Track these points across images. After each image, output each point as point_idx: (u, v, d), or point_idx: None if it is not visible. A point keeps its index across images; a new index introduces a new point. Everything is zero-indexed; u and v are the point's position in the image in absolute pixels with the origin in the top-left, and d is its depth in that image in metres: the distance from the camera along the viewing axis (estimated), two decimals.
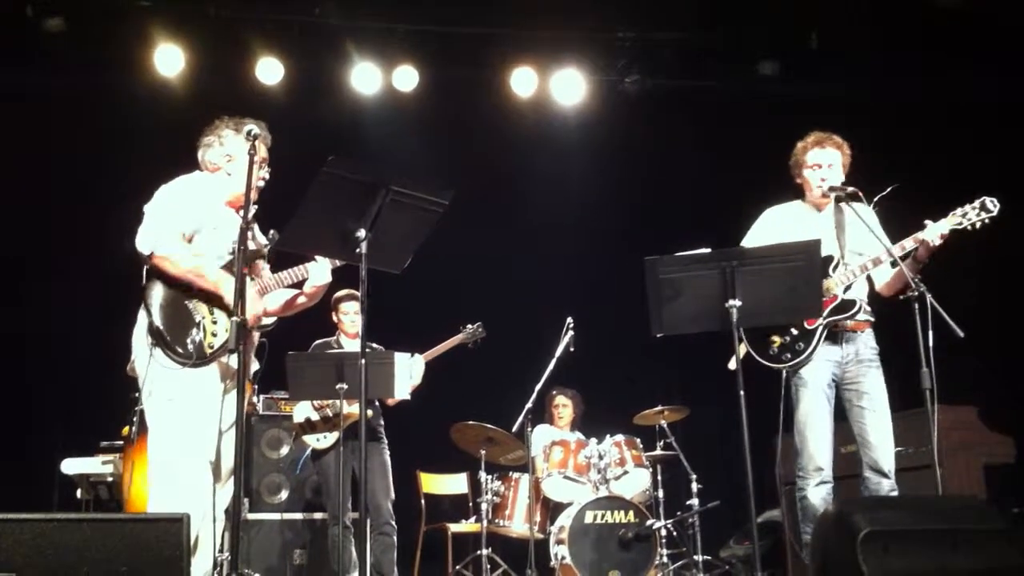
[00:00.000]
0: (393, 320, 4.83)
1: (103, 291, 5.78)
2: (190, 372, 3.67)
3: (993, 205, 4.17)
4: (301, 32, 7.12)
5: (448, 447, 6.56)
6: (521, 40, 7.41)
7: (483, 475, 6.47)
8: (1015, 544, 3.06)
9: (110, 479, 5.74)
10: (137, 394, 3.76)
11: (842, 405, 4.37)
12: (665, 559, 6.17)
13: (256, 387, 6.07)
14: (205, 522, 3.63)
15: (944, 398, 3.87)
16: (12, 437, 6.67)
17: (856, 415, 4.31)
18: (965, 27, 6.72)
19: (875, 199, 4.24)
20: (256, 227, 3.98)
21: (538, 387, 6.15)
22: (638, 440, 6.60)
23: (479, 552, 6.20)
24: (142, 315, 3.75)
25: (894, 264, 4.25)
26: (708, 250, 3.78)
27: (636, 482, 6.47)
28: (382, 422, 5.85)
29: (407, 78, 7.31)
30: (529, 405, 6.04)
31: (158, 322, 3.69)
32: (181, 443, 3.64)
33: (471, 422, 6.34)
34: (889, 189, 4.24)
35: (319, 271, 3.98)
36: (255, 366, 4.00)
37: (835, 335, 4.33)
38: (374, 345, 5.16)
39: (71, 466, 5.73)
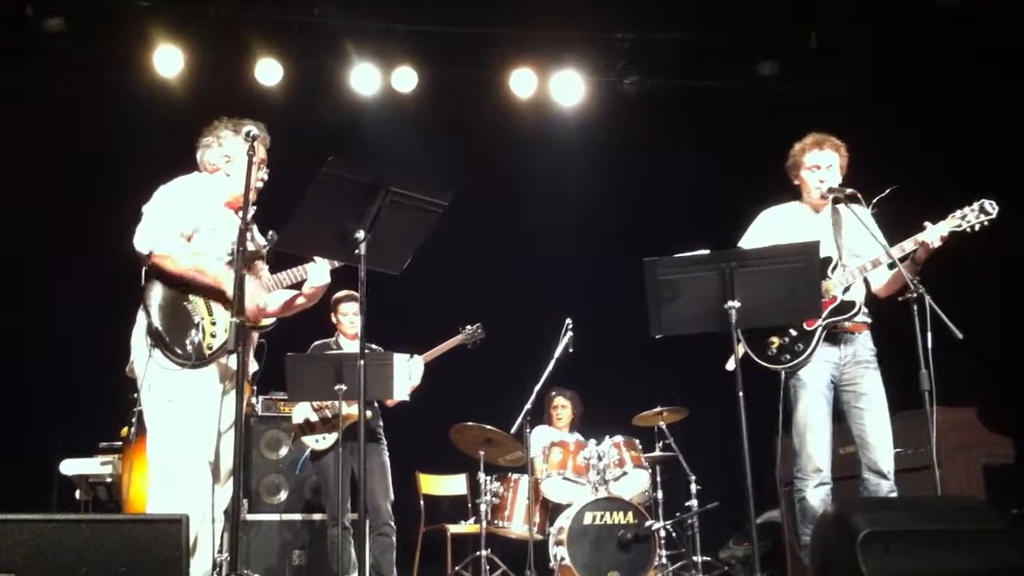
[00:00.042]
0: (392, 321, 4.83)
1: (103, 291, 5.78)
2: (189, 373, 3.67)
3: (992, 208, 4.17)
4: (300, 32, 7.12)
5: (447, 448, 6.56)
6: (521, 40, 7.41)
7: (482, 476, 6.46)
8: (1015, 544, 3.06)
9: (109, 480, 5.74)
10: (136, 395, 3.76)
11: (840, 406, 4.37)
12: (664, 560, 6.17)
13: (255, 388, 6.08)
14: (204, 523, 3.63)
15: (943, 399, 3.86)
16: (12, 437, 6.67)
17: (855, 416, 4.31)
18: (965, 27, 6.72)
19: (874, 200, 4.23)
20: (255, 228, 3.98)
21: (537, 388, 6.15)
22: (637, 441, 6.60)
23: (478, 553, 6.21)
24: (141, 316, 3.75)
25: (892, 266, 4.24)
26: (707, 251, 3.78)
27: (635, 483, 6.46)
28: (381, 423, 5.84)
29: (406, 79, 7.30)
30: (528, 406, 6.04)
31: (157, 323, 3.68)
32: (180, 444, 3.64)
33: (470, 423, 6.34)
34: (888, 191, 4.23)
35: (318, 272, 3.97)
36: (254, 367, 4.00)
37: (834, 336, 4.33)
38: (373, 346, 5.16)
39: (70, 467, 5.73)
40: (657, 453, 6.61)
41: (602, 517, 6.08)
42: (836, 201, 4.42)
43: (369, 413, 5.55)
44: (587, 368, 6.71)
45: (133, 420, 3.91)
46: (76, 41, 6.75)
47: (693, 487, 6.47)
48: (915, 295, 3.89)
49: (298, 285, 4.02)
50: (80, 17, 6.71)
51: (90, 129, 6.81)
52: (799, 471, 4.30)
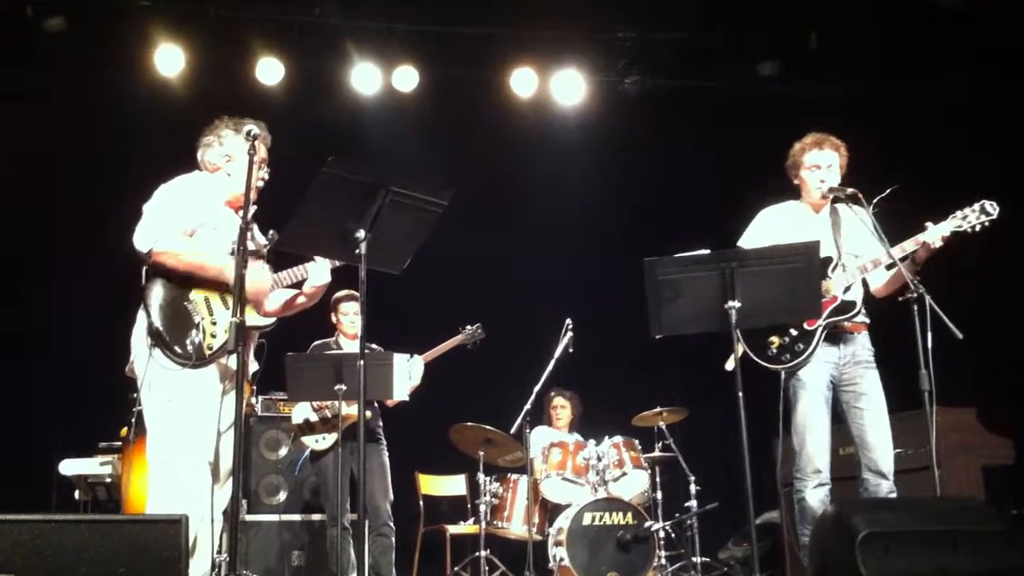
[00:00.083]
0: (392, 321, 4.83)
1: (103, 291, 5.78)
2: (189, 373, 3.66)
3: (993, 208, 4.18)
4: (301, 32, 7.12)
5: (447, 448, 6.56)
6: (521, 40, 7.41)
7: (482, 476, 6.46)
8: (1014, 545, 3.06)
9: (108, 480, 5.74)
10: (136, 395, 3.76)
11: (839, 407, 4.36)
12: (663, 561, 6.17)
13: (255, 388, 6.07)
14: (203, 523, 3.63)
15: (943, 400, 3.87)
16: (11, 437, 6.66)
17: (854, 416, 4.31)
18: (965, 27, 6.72)
19: (874, 200, 4.23)
20: (255, 227, 3.98)
21: (537, 388, 6.15)
22: (637, 441, 6.60)
23: (477, 554, 6.21)
24: (141, 316, 3.75)
25: (891, 266, 4.24)
26: (707, 251, 3.78)
27: (635, 484, 6.46)
28: (381, 423, 5.84)
29: (407, 78, 7.31)
30: (528, 406, 6.04)
31: (157, 323, 3.68)
32: (180, 444, 3.64)
33: (470, 423, 6.34)
34: (889, 191, 4.23)
35: (318, 271, 3.97)
36: (254, 367, 4.00)
37: (833, 336, 4.33)
38: (373, 346, 5.16)
39: (69, 467, 5.73)
40: (656, 454, 6.62)
41: (601, 518, 6.08)
42: (836, 201, 4.42)
43: (369, 413, 5.55)
44: (587, 368, 6.71)
45: (133, 420, 3.91)
46: (76, 41, 6.75)
47: (692, 488, 6.47)
48: (915, 295, 3.89)
49: (299, 284, 4.02)
50: (80, 17, 6.72)
51: (90, 129, 6.81)
52: (798, 472, 4.30)
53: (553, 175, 7.74)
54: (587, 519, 6.07)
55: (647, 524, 6.05)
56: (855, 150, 4.55)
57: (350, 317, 5.81)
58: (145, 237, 3.74)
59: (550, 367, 6.18)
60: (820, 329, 4.29)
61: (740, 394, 3.60)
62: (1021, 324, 6.74)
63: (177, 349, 3.67)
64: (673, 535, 6.34)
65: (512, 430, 6.12)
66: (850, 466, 4.46)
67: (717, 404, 5.54)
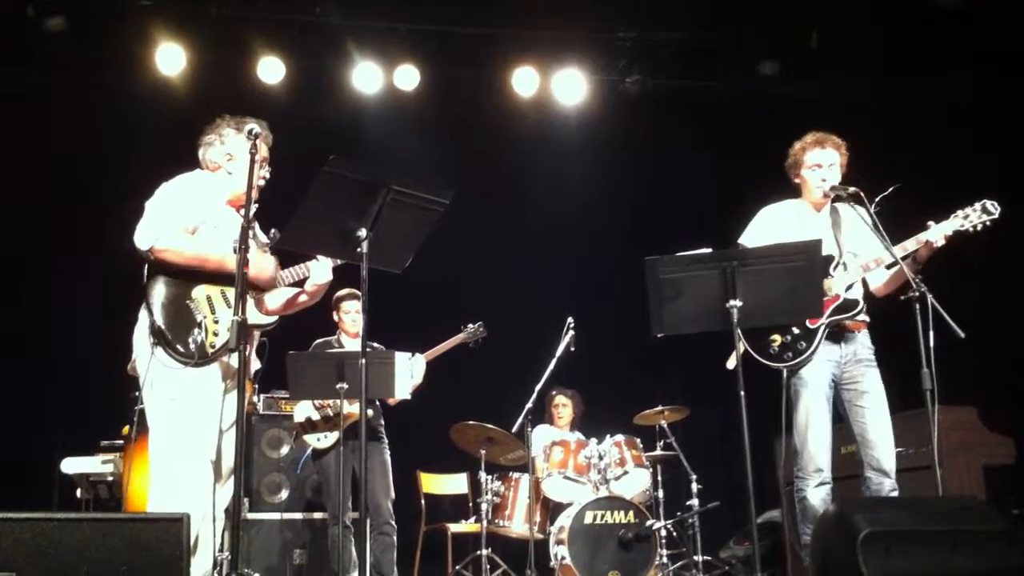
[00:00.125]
0: (394, 320, 4.83)
1: (103, 291, 5.78)
2: (192, 371, 3.67)
3: (994, 208, 4.18)
4: (302, 31, 7.12)
5: (448, 447, 6.56)
6: (522, 40, 7.42)
7: (483, 475, 6.46)
8: (1015, 545, 3.06)
9: (110, 478, 5.74)
10: (137, 393, 3.76)
11: (841, 405, 4.37)
12: (665, 559, 6.17)
13: (257, 386, 6.08)
14: (205, 521, 3.63)
15: (944, 399, 3.87)
16: (12, 437, 6.66)
17: (856, 415, 4.31)
18: (965, 27, 6.72)
19: (876, 199, 4.23)
20: (257, 226, 3.98)
21: (538, 387, 6.16)
22: (638, 440, 6.60)
23: (479, 552, 6.20)
24: (143, 314, 3.75)
25: (892, 265, 4.24)
26: (709, 250, 3.78)
27: (636, 482, 6.46)
28: (382, 422, 5.85)
29: (408, 77, 7.31)
30: (529, 405, 6.05)
31: (160, 321, 3.69)
32: (182, 442, 3.64)
33: (471, 422, 6.34)
34: (891, 189, 4.23)
35: (320, 270, 3.97)
36: (256, 365, 4.00)
37: (834, 335, 4.33)
38: (375, 344, 5.16)
39: (71, 465, 5.73)
40: (658, 452, 6.61)
41: (603, 516, 6.08)
42: (838, 200, 4.42)
43: (370, 412, 5.56)
44: (588, 367, 6.71)
45: (134, 419, 3.91)
46: (77, 40, 6.75)
47: (694, 486, 6.47)
48: (917, 294, 3.89)
49: (300, 283, 4.02)
50: (81, 16, 6.72)
51: (91, 129, 6.81)
52: (800, 470, 4.30)
53: (554, 174, 7.74)
54: (589, 518, 6.07)
55: (648, 523, 6.05)
56: (855, 150, 4.55)
57: (352, 316, 5.82)
58: (146, 235, 3.74)
59: (551, 366, 6.18)
60: (822, 328, 4.29)
61: (741, 393, 3.61)
62: (1022, 323, 6.74)
63: (179, 348, 3.67)
64: (675, 534, 6.33)
65: (514, 429, 6.12)
66: (851, 465, 4.47)
67: (718, 403, 5.53)
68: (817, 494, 4.22)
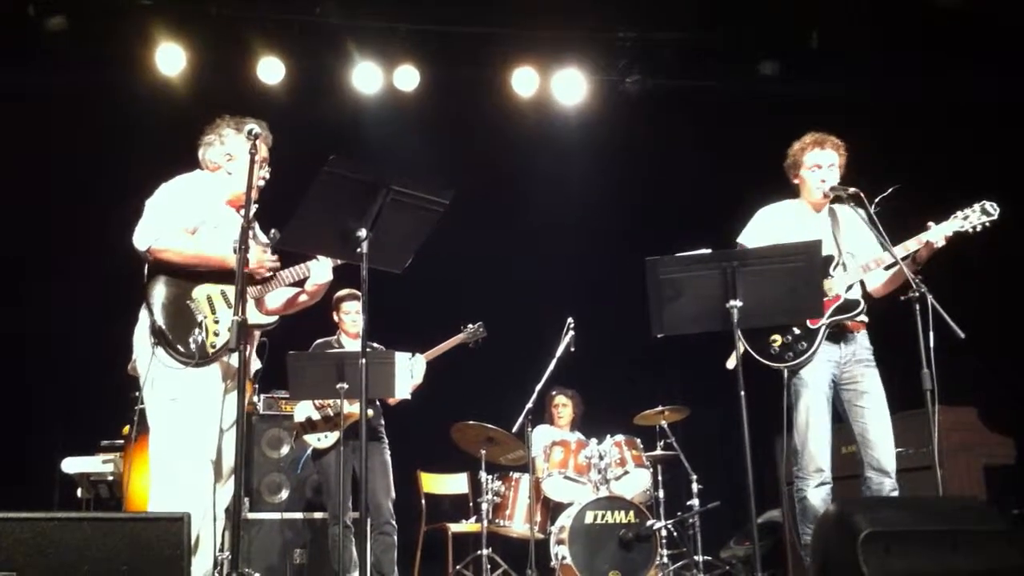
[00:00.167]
0: (394, 320, 4.83)
1: (103, 291, 5.78)
2: (192, 371, 3.67)
3: (993, 209, 4.19)
4: (302, 31, 7.12)
5: (448, 447, 6.56)
6: (522, 40, 7.42)
7: (483, 475, 6.47)
8: (1015, 545, 3.06)
9: (110, 478, 5.74)
10: (138, 393, 3.76)
11: (840, 406, 4.37)
12: (665, 559, 6.17)
13: (257, 386, 6.07)
14: (206, 521, 3.63)
15: (944, 399, 3.87)
16: (12, 437, 6.66)
17: (856, 415, 4.31)
18: (965, 27, 6.72)
19: (876, 200, 4.24)
20: (256, 226, 3.98)
21: (538, 387, 6.16)
22: (638, 440, 6.60)
23: (479, 552, 6.20)
24: (144, 314, 3.75)
25: (891, 265, 4.25)
26: (708, 250, 3.78)
27: (636, 482, 6.47)
28: (383, 422, 5.85)
29: (408, 78, 7.31)
30: (529, 405, 6.05)
31: (160, 321, 3.69)
32: (182, 442, 3.64)
33: (471, 422, 6.34)
34: (891, 190, 4.24)
35: (320, 269, 3.97)
36: (256, 365, 4.00)
37: (834, 335, 4.33)
38: (375, 345, 5.16)
39: (71, 465, 5.73)
40: (658, 452, 6.61)
41: (603, 516, 6.08)
42: (837, 200, 4.42)
43: (371, 412, 5.56)
44: (588, 367, 6.71)
45: (135, 418, 3.91)
46: (77, 40, 6.75)
47: (694, 486, 6.46)
48: (917, 294, 3.89)
49: (300, 283, 4.02)
50: (81, 16, 6.72)
51: (91, 128, 6.81)
52: (800, 471, 4.31)
53: (554, 174, 7.74)
54: (589, 518, 6.07)
55: (649, 523, 6.05)
56: (855, 150, 4.55)
57: (352, 316, 5.82)
58: (145, 235, 3.74)
59: (552, 366, 6.18)
60: (823, 328, 4.29)
61: (742, 393, 3.61)
62: (1022, 324, 6.74)
63: (180, 348, 3.67)
64: (675, 534, 6.33)
65: (514, 429, 6.12)
66: (852, 465, 4.47)
67: (718, 403, 5.53)
68: (817, 494, 4.22)
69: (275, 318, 3.98)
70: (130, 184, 4.12)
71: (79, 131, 6.78)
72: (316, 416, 5.66)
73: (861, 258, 4.36)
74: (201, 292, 3.79)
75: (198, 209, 3.84)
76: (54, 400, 6.87)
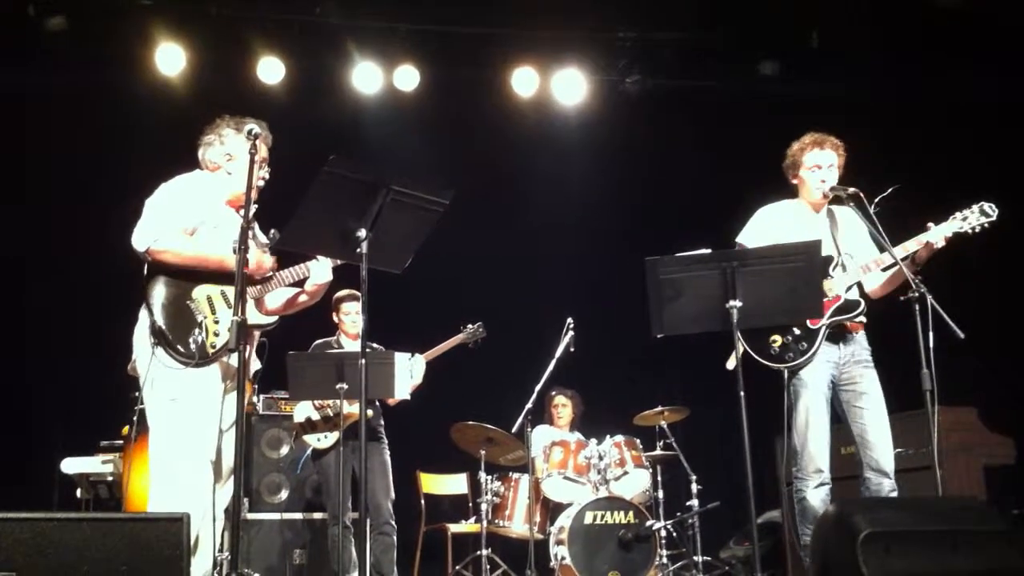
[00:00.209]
0: (394, 320, 4.83)
1: (103, 291, 5.77)
2: (192, 372, 3.67)
3: (992, 210, 4.19)
4: (302, 31, 7.13)
5: (448, 447, 6.56)
6: (522, 40, 7.42)
7: (483, 475, 6.46)
8: (1015, 545, 3.06)
9: (110, 478, 5.74)
10: (137, 393, 3.76)
11: (839, 406, 4.36)
12: (665, 560, 6.17)
13: (256, 387, 6.07)
14: (205, 521, 3.63)
15: (944, 399, 3.87)
16: (12, 437, 6.66)
17: (855, 415, 4.30)
18: (965, 27, 6.72)
19: (876, 200, 4.23)
20: (256, 226, 3.98)
21: (538, 387, 6.15)
22: (638, 441, 6.60)
23: (479, 552, 6.20)
24: (144, 314, 3.75)
25: (891, 266, 4.24)
26: (708, 250, 3.78)
27: (636, 483, 6.46)
28: (382, 422, 5.85)
29: (408, 78, 7.31)
30: (529, 405, 6.04)
31: (160, 322, 3.69)
32: (182, 442, 3.64)
33: (471, 422, 6.34)
34: (890, 190, 4.23)
35: (320, 269, 3.97)
36: (256, 365, 4.00)
37: (833, 336, 4.33)
38: (375, 345, 5.16)
39: (71, 465, 5.73)
40: (658, 453, 6.61)
41: (603, 516, 6.08)
42: (837, 201, 4.42)
43: (370, 412, 5.56)
44: (588, 367, 6.71)
45: (134, 419, 3.91)
46: (77, 40, 6.76)
47: (694, 487, 6.47)
48: (917, 294, 3.89)
49: (300, 283, 4.02)
50: (81, 16, 6.72)
51: (91, 128, 6.81)
52: (799, 471, 4.30)
53: (554, 174, 7.74)
54: (588, 518, 6.07)
55: (648, 523, 6.05)
56: (855, 150, 4.55)
57: (351, 317, 5.82)
58: (144, 236, 3.74)
59: (551, 366, 6.18)
60: (823, 328, 4.29)
61: (741, 393, 3.61)
62: (1022, 324, 6.74)
63: (180, 348, 3.67)
64: (674, 534, 6.34)
65: (513, 429, 6.12)
66: (851, 465, 4.46)
67: (718, 403, 5.53)
68: (817, 495, 4.22)
69: (275, 318, 3.98)
70: (130, 184, 4.12)
71: (79, 131, 6.77)
72: (316, 416, 5.66)
73: (860, 259, 4.36)
74: (201, 292, 3.79)
75: (198, 209, 3.84)
76: (54, 400, 6.86)
